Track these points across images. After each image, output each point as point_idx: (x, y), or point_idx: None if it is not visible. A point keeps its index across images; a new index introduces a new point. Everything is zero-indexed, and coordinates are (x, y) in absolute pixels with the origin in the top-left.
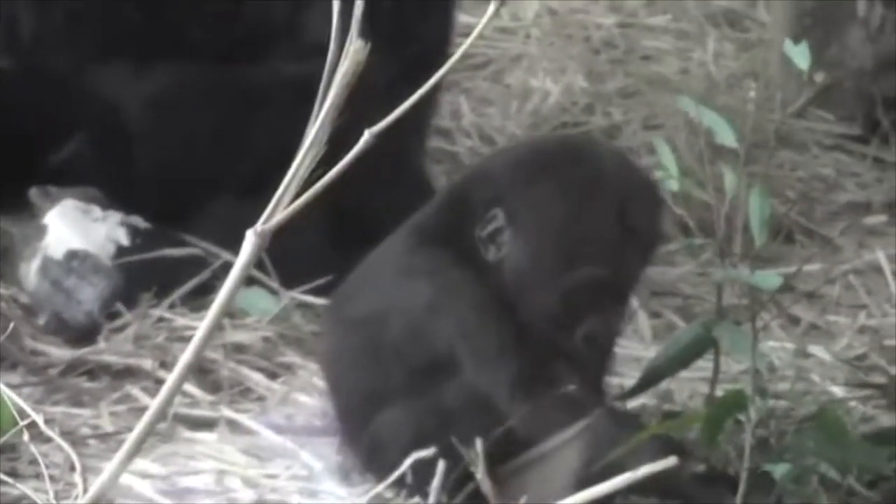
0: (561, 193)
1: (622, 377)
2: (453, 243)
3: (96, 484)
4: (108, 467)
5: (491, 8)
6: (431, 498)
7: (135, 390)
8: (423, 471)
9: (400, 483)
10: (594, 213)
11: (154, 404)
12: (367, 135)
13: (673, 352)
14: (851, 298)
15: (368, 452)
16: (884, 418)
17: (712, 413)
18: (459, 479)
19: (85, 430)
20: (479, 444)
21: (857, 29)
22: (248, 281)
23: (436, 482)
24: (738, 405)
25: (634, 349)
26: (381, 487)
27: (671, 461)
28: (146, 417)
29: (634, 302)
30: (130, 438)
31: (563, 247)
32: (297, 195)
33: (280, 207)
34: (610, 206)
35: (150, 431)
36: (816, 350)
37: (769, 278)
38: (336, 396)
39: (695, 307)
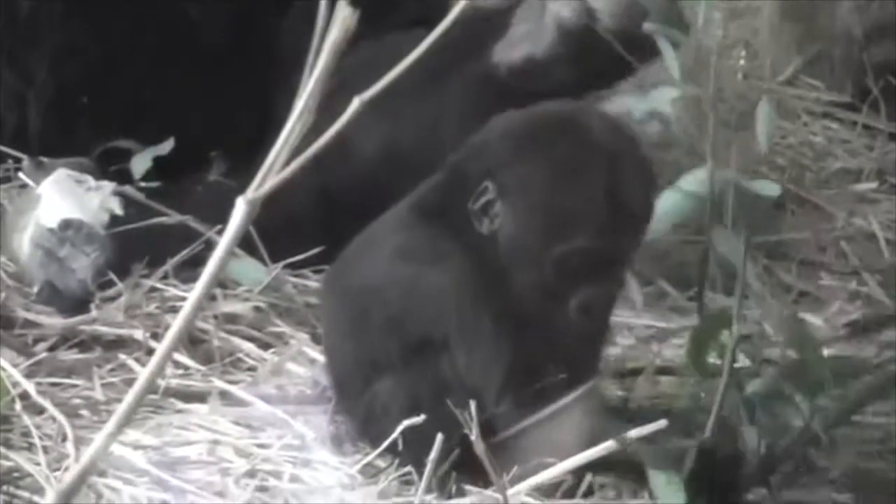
0: (550, 164)
1: (613, 345)
2: (451, 218)
3: (87, 453)
4: (99, 437)
5: None
6: (427, 470)
7: (127, 361)
8: (416, 440)
9: (393, 452)
10: (584, 184)
11: (145, 373)
12: (355, 101)
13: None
14: (843, 265)
15: (363, 421)
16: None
17: (698, 332)
18: (449, 448)
19: (77, 401)
20: (473, 408)
21: None
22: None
23: (433, 454)
24: (723, 323)
25: (625, 316)
26: (371, 457)
27: (661, 423)
28: (137, 386)
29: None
30: (121, 407)
31: (553, 218)
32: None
33: (270, 175)
34: (601, 177)
35: (141, 401)
36: (808, 316)
37: (769, 185)
38: (332, 365)
39: (685, 274)
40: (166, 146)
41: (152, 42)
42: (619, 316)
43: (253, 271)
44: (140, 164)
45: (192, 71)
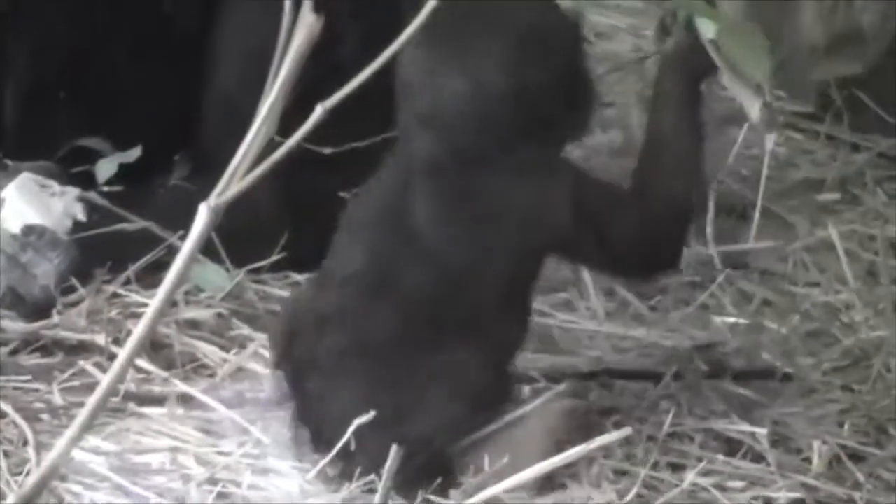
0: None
1: (576, 355)
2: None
3: (48, 458)
4: (60, 442)
5: None
6: (384, 479)
7: (88, 366)
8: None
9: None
10: None
11: (106, 378)
12: (319, 109)
13: None
14: (804, 275)
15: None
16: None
17: None
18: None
19: (38, 406)
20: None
21: (810, 7)
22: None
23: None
24: None
25: (586, 325)
26: (325, 461)
27: (627, 431)
28: (98, 392)
29: (588, 280)
30: (83, 412)
31: None
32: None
33: (233, 181)
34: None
35: (102, 406)
36: (771, 325)
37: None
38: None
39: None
40: (133, 153)
41: (125, 38)
42: (580, 324)
43: (215, 277)
44: (105, 169)
45: (162, 69)
